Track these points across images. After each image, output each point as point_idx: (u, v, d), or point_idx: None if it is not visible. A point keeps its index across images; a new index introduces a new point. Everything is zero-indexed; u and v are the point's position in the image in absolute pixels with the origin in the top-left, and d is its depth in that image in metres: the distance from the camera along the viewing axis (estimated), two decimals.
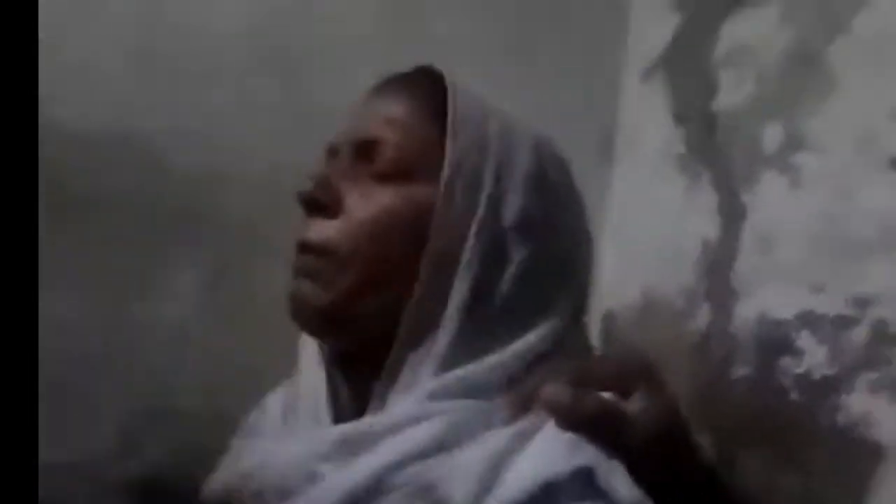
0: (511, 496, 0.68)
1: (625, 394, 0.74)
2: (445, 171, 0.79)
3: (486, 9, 1.63)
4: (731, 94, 1.52)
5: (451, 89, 0.83)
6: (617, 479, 0.69)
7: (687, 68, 1.62)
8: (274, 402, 0.90)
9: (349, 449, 0.74)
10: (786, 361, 1.32)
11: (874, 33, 1.32)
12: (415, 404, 0.76)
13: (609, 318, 1.62)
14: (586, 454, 0.70)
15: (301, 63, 1.48)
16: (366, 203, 0.80)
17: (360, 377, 0.82)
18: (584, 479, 0.69)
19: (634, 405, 0.73)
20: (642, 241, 1.61)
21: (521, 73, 1.59)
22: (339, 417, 0.81)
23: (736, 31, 1.53)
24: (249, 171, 1.43)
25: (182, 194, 1.38)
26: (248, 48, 1.44)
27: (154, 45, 1.38)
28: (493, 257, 0.79)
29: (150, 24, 1.38)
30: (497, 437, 0.72)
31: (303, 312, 0.81)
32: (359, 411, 0.81)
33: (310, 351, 0.88)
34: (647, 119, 1.67)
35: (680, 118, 1.61)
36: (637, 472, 0.70)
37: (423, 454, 0.72)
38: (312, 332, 0.85)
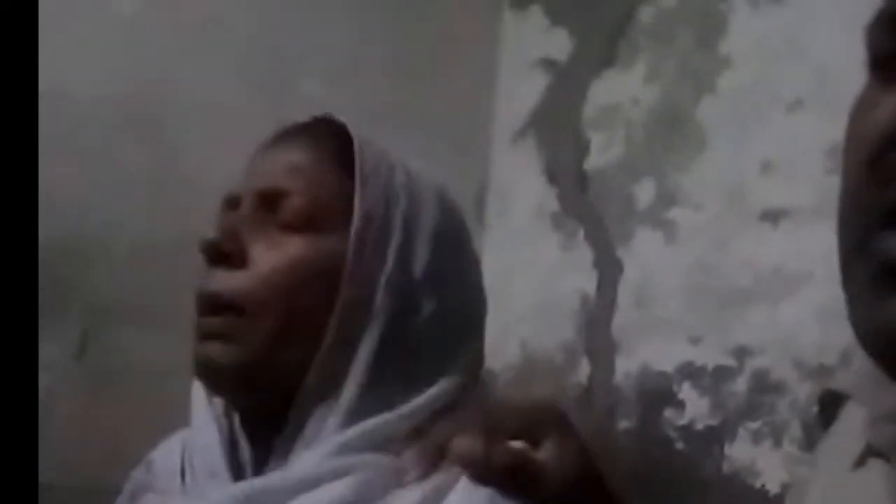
0: None
1: (535, 442, 0.73)
2: (356, 222, 0.78)
3: (355, 70, 1.63)
4: (602, 152, 1.55)
5: (357, 139, 0.82)
6: None
7: (557, 128, 1.64)
8: (165, 457, 0.84)
9: None
10: (669, 413, 1.33)
11: (738, 91, 1.37)
12: (321, 459, 0.73)
13: (489, 377, 1.62)
14: None
15: (169, 130, 1.44)
16: (274, 253, 0.77)
17: (261, 429, 0.78)
18: None
19: (546, 453, 0.72)
20: (519, 298, 1.61)
21: (390, 134, 1.58)
22: (237, 472, 0.78)
23: (604, 91, 1.57)
24: (115, 242, 1.38)
25: (46, 264, 1.32)
26: (114, 114, 1.40)
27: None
28: (401, 309, 0.78)
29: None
30: (411, 496, 0.71)
31: (214, 375, 0.78)
32: (259, 464, 0.77)
33: (201, 403, 0.83)
34: (519, 178, 1.68)
35: (552, 177, 1.63)
36: None
37: None
38: (222, 392, 0.81)
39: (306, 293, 0.77)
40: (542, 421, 0.74)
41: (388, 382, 0.76)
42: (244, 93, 1.49)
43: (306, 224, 0.78)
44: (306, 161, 0.81)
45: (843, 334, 1.12)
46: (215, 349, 0.77)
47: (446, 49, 1.72)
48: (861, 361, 0.59)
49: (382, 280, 0.78)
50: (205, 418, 0.82)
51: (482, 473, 0.69)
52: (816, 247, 1.18)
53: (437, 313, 0.80)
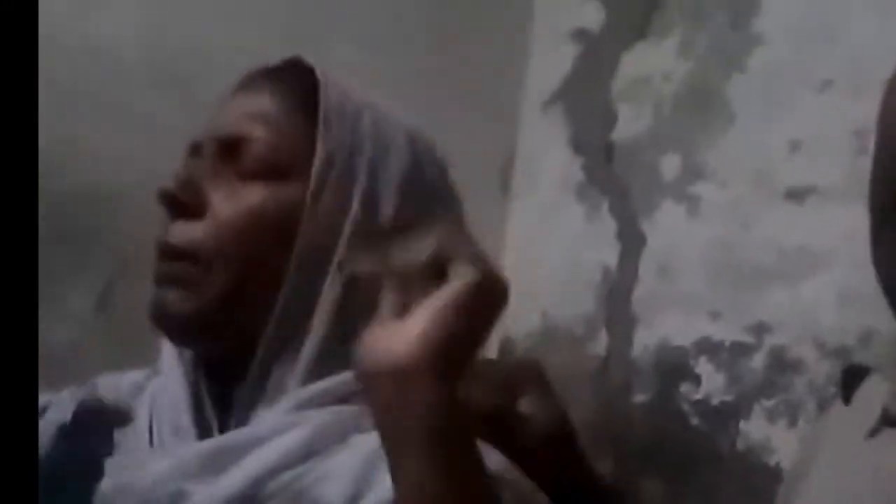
0: (387, 497, 0.64)
1: (514, 397, 0.73)
2: (316, 164, 0.76)
3: (386, 36, 1.62)
4: (630, 124, 1.55)
5: (323, 81, 0.79)
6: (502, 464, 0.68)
7: (586, 99, 1.64)
8: (139, 409, 0.81)
9: (216, 464, 0.70)
10: (685, 387, 1.34)
11: (768, 70, 1.36)
12: (280, 416, 0.73)
13: (508, 345, 1.63)
14: None
15: (198, 86, 1.44)
16: (232, 202, 0.75)
17: (224, 384, 0.77)
18: None
19: (525, 407, 0.72)
20: (542, 268, 1.62)
21: (420, 102, 1.57)
22: (201, 428, 0.77)
23: (635, 63, 1.57)
24: (139, 190, 1.39)
25: (72, 214, 1.33)
26: (144, 70, 1.40)
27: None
28: (366, 258, 0.71)
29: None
30: (368, 439, 0.69)
31: (167, 321, 0.75)
32: (223, 421, 0.76)
33: (170, 355, 0.81)
34: (546, 149, 1.68)
35: (578, 147, 1.63)
36: (528, 472, 0.70)
37: (293, 461, 0.70)
38: (178, 341, 0.79)
39: (265, 243, 0.75)
40: (521, 377, 0.74)
41: (348, 337, 0.70)
42: (277, 55, 1.50)
43: (267, 171, 0.76)
44: (270, 106, 0.78)
45: (863, 315, 1.14)
46: (170, 294, 0.75)
47: (479, 17, 1.71)
48: (883, 340, 0.60)
49: (345, 227, 0.75)
50: (173, 374, 0.80)
51: None
52: (841, 228, 1.18)
53: None
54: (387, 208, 0.77)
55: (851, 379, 0.66)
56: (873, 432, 0.59)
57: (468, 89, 1.66)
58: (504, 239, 1.69)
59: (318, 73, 0.80)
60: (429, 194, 0.81)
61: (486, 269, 0.60)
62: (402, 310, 0.61)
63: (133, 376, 0.85)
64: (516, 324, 1.61)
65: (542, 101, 1.71)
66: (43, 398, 0.82)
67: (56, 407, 0.81)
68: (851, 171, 1.20)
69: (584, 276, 1.54)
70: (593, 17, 1.65)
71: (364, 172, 0.77)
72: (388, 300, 0.62)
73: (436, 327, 0.58)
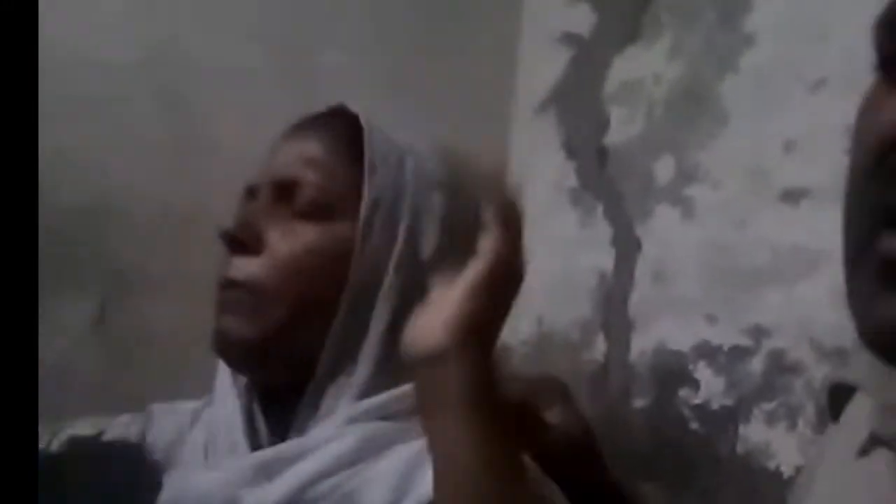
0: (426, 499, 0.71)
1: (539, 406, 0.78)
2: (364, 209, 0.83)
3: (375, 41, 1.62)
4: (623, 128, 1.54)
5: (367, 129, 0.86)
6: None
7: (578, 103, 1.63)
8: (196, 432, 0.89)
9: (267, 472, 0.77)
10: (684, 392, 1.33)
11: (761, 70, 1.36)
12: (330, 429, 0.79)
13: (505, 352, 1.62)
14: None
15: (189, 98, 1.44)
16: (287, 241, 0.82)
17: (279, 409, 0.83)
18: None
19: (551, 416, 0.77)
20: (537, 274, 1.59)
21: (410, 107, 1.58)
22: (255, 447, 0.83)
23: (626, 66, 1.56)
24: (136, 206, 1.38)
25: (68, 229, 1.32)
26: (137, 80, 1.40)
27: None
28: (411, 289, 0.81)
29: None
30: (410, 447, 0.77)
31: (228, 347, 0.82)
32: (276, 441, 0.82)
33: (224, 382, 0.88)
34: (538, 154, 1.68)
35: (572, 152, 1.62)
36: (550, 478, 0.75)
37: (338, 467, 0.76)
38: (237, 366, 0.86)
39: (319, 277, 0.82)
40: (547, 391, 0.79)
41: (398, 359, 0.78)
42: (265, 62, 1.49)
43: (319, 212, 0.83)
44: (320, 152, 0.85)
45: None
46: (230, 322, 0.82)
47: (468, 23, 1.71)
48: (860, 360, 0.60)
49: (391, 262, 0.83)
50: (227, 395, 0.87)
51: None
52: (836, 228, 1.16)
53: None
54: (428, 243, 0.85)
55: (837, 398, 0.65)
56: (863, 452, 0.58)
57: (459, 95, 1.66)
58: None
59: (362, 120, 0.87)
60: (464, 228, 0.86)
61: (502, 249, 0.68)
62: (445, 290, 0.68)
63: (190, 405, 0.93)
64: (512, 331, 1.60)
65: (533, 106, 1.71)
66: (97, 424, 0.92)
67: (115, 429, 0.90)
68: (845, 170, 1.19)
69: (579, 282, 1.53)
70: (584, 21, 1.64)
71: (408, 212, 0.85)
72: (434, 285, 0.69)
73: (461, 311, 0.66)
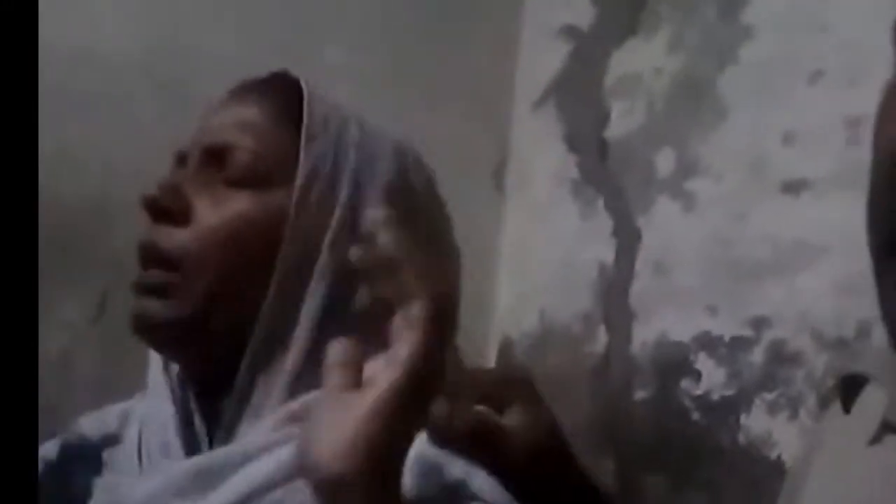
0: None
1: (500, 407, 0.71)
2: (299, 176, 0.76)
3: (375, 38, 1.62)
4: (623, 121, 1.54)
5: (307, 93, 0.80)
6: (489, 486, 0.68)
7: (578, 97, 1.64)
8: (129, 430, 0.82)
9: (203, 483, 0.70)
10: (686, 383, 1.34)
11: (760, 62, 1.36)
12: (267, 431, 0.72)
13: (507, 345, 1.62)
14: (457, 468, 0.68)
15: (192, 93, 1.44)
16: (217, 210, 0.76)
17: (213, 398, 0.77)
18: (457, 492, 0.68)
19: (511, 419, 0.70)
20: (538, 267, 1.61)
21: (411, 102, 1.58)
22: (190, 443, 0.77)
23: (626, 59, 1.56)
24: (137, 201, 1.39)
25: (68, 223, 1.33)
26: (139, 76, 1.40)
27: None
28: (349, 269, 0.70)
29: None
30: None
31: (150, 329, 0.75)
32: (211, 434, 0.76)
33: (155, 374, 0.81)
34: (539, 147, 1.68)
35: (572, 145, 1.63)
36: (517, 489, 0.68)
37: (279, 480, 0.69)
38: (162, 349, 0.79)
39: (248, 250, 0.75)
40: (508, 388, 0.72)
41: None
42: (268, 58, 1.49)
43: (253, 180, 0.77)
44: (257, 116, 0.79)
45: (860, 307, 1.13)
46: (151, 304, 0.75)
47: (468, 17, 1.71)
48: (881, 340, 0.60)
49: (327, 240, 0.76)
50: (160, 390, 0.80)
51: (444, 436, 0.65)
52: (836, 219, 1.18)
53: None
54: (371, 218, 0.75)
55: (850, 388, 0.66)
56: (875, 440, 0.59)
57: (459, 90, 1.66)
58: (499, 239, 1.68)
59: (303, 84, 0.81)
60: (413, 206, 0.81)
61: (419, 358, 0.57)
62: (350, 384, 0.59)
63: (119, 406, 0.85)
64: (514, 324, 1.61)
65: (533, 99, 1.71)
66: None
67: (42, 455, 0.81)
68: (845, 161, 1.20)
69: (580, 274, 1.54)
70: (583, 14, 1.65)
71: (347, 185, 0.78)
72: (335, 373, 0.61)
73: (367, 432, 0.56)
